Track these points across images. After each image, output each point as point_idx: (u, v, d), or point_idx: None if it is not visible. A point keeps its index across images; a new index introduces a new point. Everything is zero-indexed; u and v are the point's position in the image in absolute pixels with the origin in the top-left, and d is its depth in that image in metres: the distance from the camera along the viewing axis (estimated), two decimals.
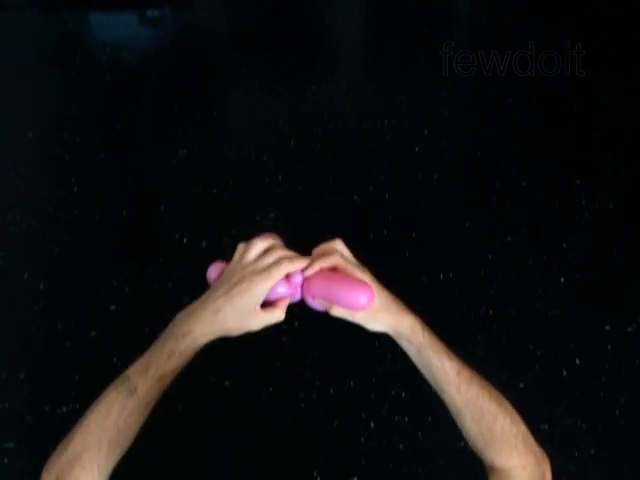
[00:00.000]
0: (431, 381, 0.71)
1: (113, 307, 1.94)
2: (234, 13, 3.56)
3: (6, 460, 1.60)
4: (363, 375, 1.77)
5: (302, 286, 0.73)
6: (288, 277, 0.71)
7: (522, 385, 1.75)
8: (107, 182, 2.45)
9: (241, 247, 0.73)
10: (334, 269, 0.72)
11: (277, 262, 0.68)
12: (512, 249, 2.14)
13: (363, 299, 0.68)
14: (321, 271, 0.72)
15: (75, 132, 2.64)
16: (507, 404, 0.70)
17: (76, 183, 2.39)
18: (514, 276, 2.05)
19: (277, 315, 0.69)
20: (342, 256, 0.72)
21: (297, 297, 0.74)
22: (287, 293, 0.72)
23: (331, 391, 1.74)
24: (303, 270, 0.72)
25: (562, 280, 2.03)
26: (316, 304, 0.73)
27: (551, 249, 2.14)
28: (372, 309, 0.70)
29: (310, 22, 3.50)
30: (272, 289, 0.69)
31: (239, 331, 0.69)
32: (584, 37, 3.04)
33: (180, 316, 0.70)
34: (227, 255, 0.76)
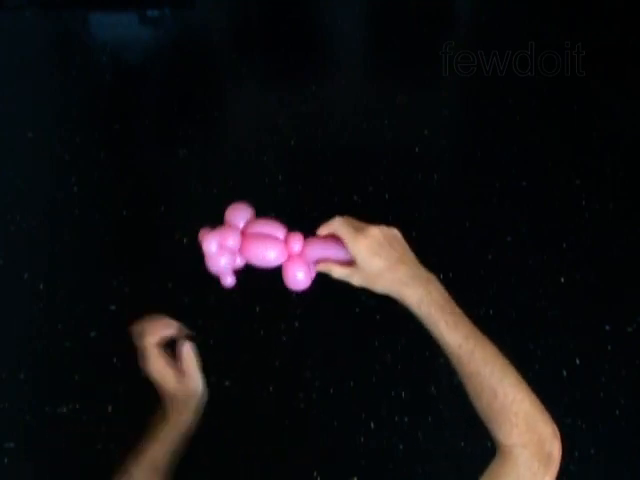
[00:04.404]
0: (443, 349, 0.71)
1: (113, 307, 1.94)
2: (234, 13, 3.56)
3: (6, 460, 1.60)
4: (363, 375, 1.77)
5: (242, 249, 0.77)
6: (222, 246, 0.75)
7: None
8: (107, 182, 2.45)
9: None
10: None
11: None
12: (512, 249, 2.14)
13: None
14: (317, 237, 0.76)
15: (75, 132, 2.64)
16: (511, 380, 0.69)
17: (76, 183, 2.39)
18: (514, 276, 2.05)
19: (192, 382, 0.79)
20: (342, 221, 0.74)
21: (239, 262, 0.77)
22: (230, 261, 0.76)
23: (331, 391, 1.74)
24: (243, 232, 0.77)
25: (562, 280, 2.03)
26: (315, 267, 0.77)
27: (551, 249, 2.14)
28: (367, 275, 0.71)
29: (310, 22, 3.50)
30: (216, 265, 0.75)
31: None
32: (584, 37, 3.04)
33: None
34: None
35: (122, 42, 3.26)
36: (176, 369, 0.78)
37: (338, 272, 0.74)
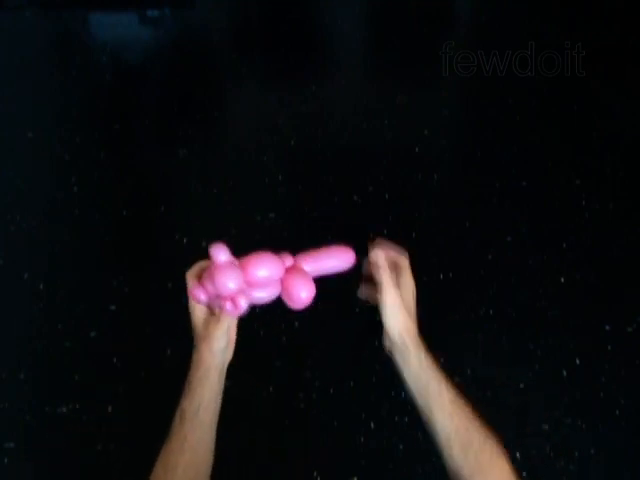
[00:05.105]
0: (422, 404, 0.71)
1: (113, 307, 1.94)
2: (234, 13, 3.56)
3: (6, 460, 1.60)
4: (363, 375, 1.77)
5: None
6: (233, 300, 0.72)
7: (522, 385, 1.75)
8: (107, 182, 2.45)
9: None
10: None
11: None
12: (512, 249, 2.14)
13: (346, 262, 0.75)
14: (305, 254, 0.77)
15: (75, 132, 2.64)
16: (494, 439, 0.70)
17: (76, 183, 2.39)
18: (514, 276, 2.04)
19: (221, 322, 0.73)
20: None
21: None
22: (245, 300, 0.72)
23: (331, 391, 1.74)
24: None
25: (562, 280, 2.03)
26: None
27: (551, 249, 2.14)
28: (401, 303, 0.73)
29: (310, 22, 3.50)
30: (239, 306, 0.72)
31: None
32: (584, 37, 3.04)
33: None
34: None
35: (122, 42, 3.26)
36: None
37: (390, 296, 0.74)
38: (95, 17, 3.48)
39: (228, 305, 0.71)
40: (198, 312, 0.75)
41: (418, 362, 0.71)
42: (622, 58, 3.01)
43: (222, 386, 0.77)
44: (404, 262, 0.76)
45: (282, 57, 3.15)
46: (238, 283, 0.70)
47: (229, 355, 0.79)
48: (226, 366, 0.78)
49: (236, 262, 0.72)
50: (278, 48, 3.20)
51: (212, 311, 0.76)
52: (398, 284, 0.75)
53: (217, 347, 0.73)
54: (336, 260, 0.74)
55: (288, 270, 0.75)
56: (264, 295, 0.74)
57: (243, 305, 0.71)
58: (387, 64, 3.10)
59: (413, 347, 0.72)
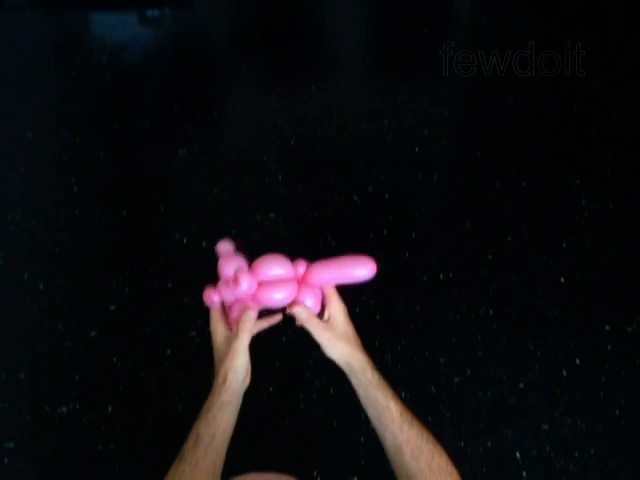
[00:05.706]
0: (374, 418, 0.75)
1: (113, 307, 1.94)
2: (234, 13, 3.56)
3: (6, 460, 1.60)
4: None
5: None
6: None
7: (522, 385, 1.75)
8: (107, 182, 2.45)
9: None
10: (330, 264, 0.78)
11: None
12: (512, 249, 2.14)
13: (364, 271, 0.75)
14: (321, 262, 0.78)
15: (75, 132, 2.65)
16: (442, 448, 0.73)
17: (76, 183, 2.39)
18: (514, 276, 2.05)
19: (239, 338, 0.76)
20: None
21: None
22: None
23: (331, 391, 1.74)
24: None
25: (562, 280, 2.03)
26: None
27: (551, 249, 2.14)
28: (337, 335, 0.78)
29: (310, 22, 3.50)
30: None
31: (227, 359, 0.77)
32: (584, 37, 3.04)
33: None
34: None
35: (122, 42, 3.26)
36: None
37: (311, 324, 0.78)
38: (95, 17, 3.49)
39: (230, 283, 0.73)
40: (219, 332, 0.78)
41: (366, 381, 0.76)
42: (622, 58, 3.01)
43: (237, 414, 0.79)
44: (329, 290, 0.79)
45: (282, 57, 3.16)
46: (238, 267, 0.73)
47: (247, 383, 0.81)
48: (242, 395, 0.80)
49: (240, 255, 0.75)
50: (278, 48, 3.21)
51: (231, 327, 0.79)
52: (328, 314, 0.79)
53: (240, 364, 0.76)
54: (353, 271, 0.75)
55: (300, 279, 0.77)
56: (274, 296, 0.76)
57: (244, 284, 0.72)
58: (387, 64, 3.11)
59: (359, 369, 0.76)
